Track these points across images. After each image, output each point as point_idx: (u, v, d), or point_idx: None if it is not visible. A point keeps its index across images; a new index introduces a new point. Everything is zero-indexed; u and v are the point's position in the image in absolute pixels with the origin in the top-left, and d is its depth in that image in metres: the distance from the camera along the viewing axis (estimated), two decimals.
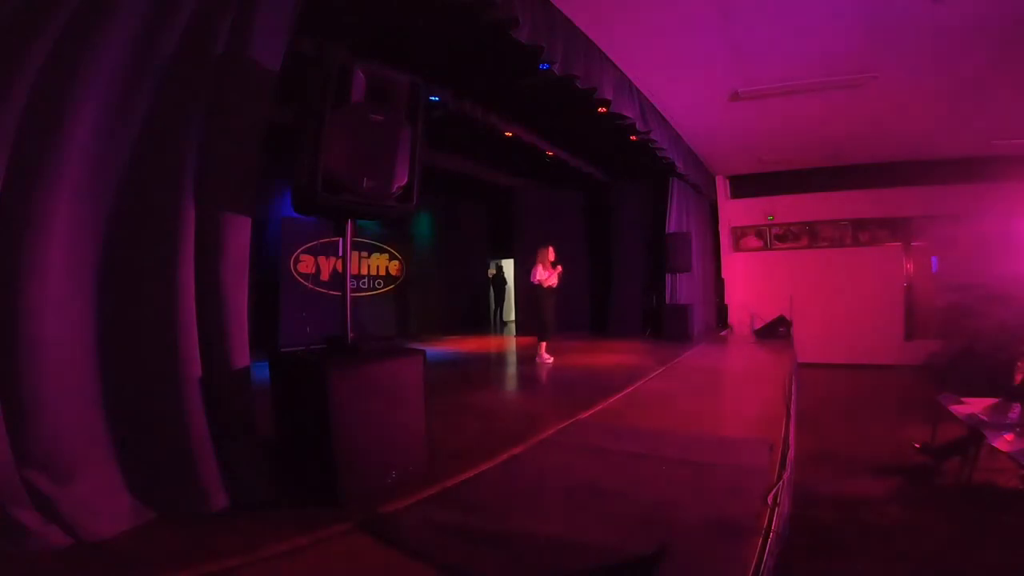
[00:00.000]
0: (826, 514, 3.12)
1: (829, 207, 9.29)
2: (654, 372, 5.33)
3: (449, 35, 4.38)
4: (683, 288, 8.61)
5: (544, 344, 6.22)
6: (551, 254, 6.26)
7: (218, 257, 2.07)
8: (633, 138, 6.22)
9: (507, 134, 6.64)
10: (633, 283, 9.45)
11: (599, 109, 5.17)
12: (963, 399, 3.77)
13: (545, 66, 4.07)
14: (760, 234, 9.85)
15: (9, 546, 1.62)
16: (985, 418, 3.34)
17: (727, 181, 10.06)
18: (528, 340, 6.65)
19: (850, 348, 8.78)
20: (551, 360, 6.12)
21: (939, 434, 3.82)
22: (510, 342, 9.22)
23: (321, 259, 7.83)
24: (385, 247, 9.15)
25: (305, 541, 1.79)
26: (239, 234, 2.15)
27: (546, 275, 6.21)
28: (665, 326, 8.32)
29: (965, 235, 8.31)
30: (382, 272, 9.10)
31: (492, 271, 13.23)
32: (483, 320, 12.12)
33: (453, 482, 2.34)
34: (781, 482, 2.27)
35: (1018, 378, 5.21)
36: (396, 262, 9.35)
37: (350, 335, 2.42)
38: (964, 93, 5.68)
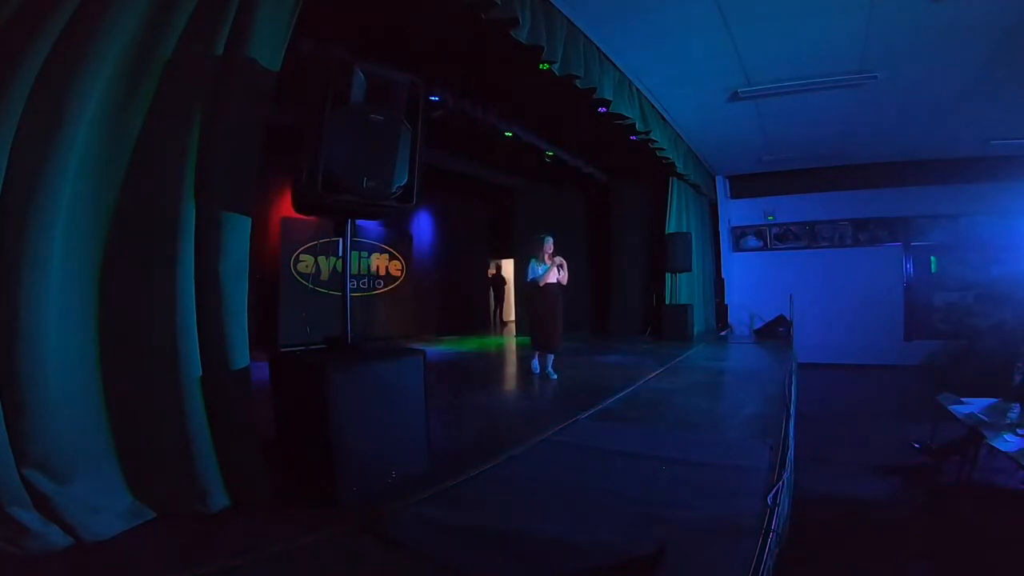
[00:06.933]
0: (826, 514, 3.12)
1: (829, 207, 9.28)
2: (654, 372, 5.33)
3: (449, 35, 4.38)
4: (683, 288, 8.61)
5: (538, 354, 5.26)
6: (549, 246, 5.13)
7: (218, 257, 2.07)
8: (633, 138, 6.22)
9: (507, 134, 6.64)
10: (633, 283, 9.45)
11: (599, 109, 5.17)
12: (963, 399, 3.77)
13: (545, 66, 4.07)
14: (760, 234, 9.85)
15: (9, 546, 1.62)
16: (985, 418, 3.34)
17: (727, 181, 10.06)
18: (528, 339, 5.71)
19: (850, 348, 8.77)
20: (542, 372, 5.20)
21: (939, 434, 3.82)
22: (510, 342, 9.22)
23: (321, 259, 7.83)
24: (385, 247, 9.15)
25: (305, 541, 1.79)
26: (239, 234, 2.15)
27: (540, 271, 5.06)
28: (665, 326, 8.31)
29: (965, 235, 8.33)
30: (382, 272, 9.09)
31: (492, 271, 13.23)
32: (483, 320, 12.12)
33: (453, 482, 2.33)
34: (781, 482, 2.27)
35: (1018, 378, 5.21)
36: (396, 262, 9.35)
37: (350, 335, 2.42)
38: (964, 93, 5.67)
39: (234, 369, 2.11)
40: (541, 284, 5.05)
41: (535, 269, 5.08)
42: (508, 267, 12.48)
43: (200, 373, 2.02)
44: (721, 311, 9.88)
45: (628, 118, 5.34)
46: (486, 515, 2.03)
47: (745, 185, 9.87)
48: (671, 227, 8.44)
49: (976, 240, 8.53)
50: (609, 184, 9.57)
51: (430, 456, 2.48)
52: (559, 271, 5.06)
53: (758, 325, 9.17)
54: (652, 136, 6.06)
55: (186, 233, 2.00)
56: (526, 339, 6.05)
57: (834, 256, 9.27)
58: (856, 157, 8.49)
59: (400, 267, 9.41)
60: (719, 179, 9.95)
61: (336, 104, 2.11)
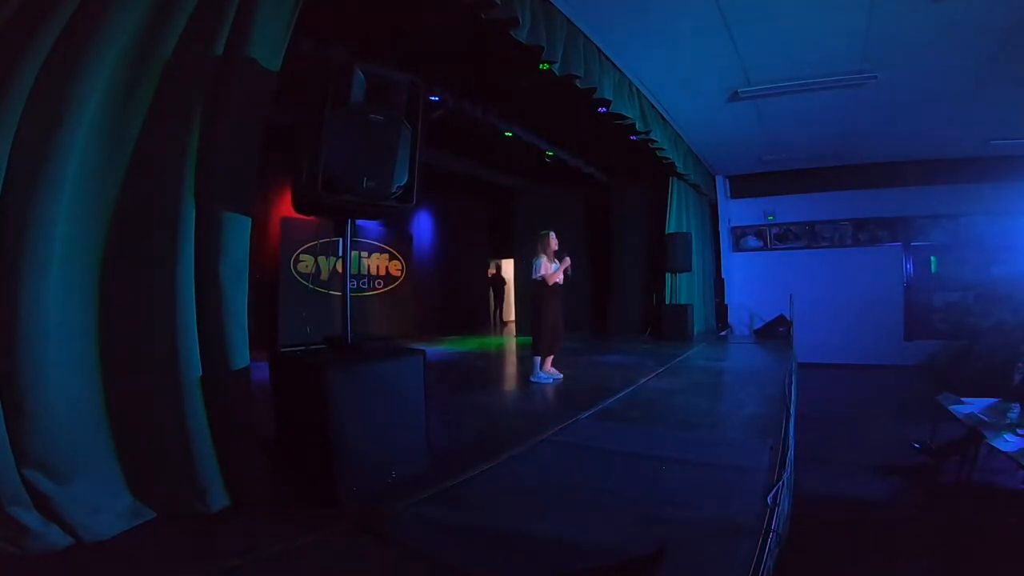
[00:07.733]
0: (826, 514, 3.12)
1: (829, 207, 9.29)
2: (654, 372, 5.33)
3: (449, 35, 4.38)
4: (683, 288, 8.61)
5: (539, 359, 4.94)
6: (553, 241, 4.91)
7: (218, 257, 2.07)
8: (633, 138, 6.22)
9: (507, 134, 6.64)
10: (633, 283, 9.45)
11: (599, 109, 5.17)
12: (963, 399, 3.77)
13: (545, 66, 4.07)
14: (760, 234, 9.85)
15: (9, 546, 1.62)
16: (985, 418, 3.34)
17: (727, 181, 10.06)
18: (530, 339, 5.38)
19: (850, 348, 8.78)
20: (553, 378, 4.95)
21: (939, 434, 3.82)
22: (510, 342, 9.22)
23: (321, 259, 7.83)
24: (385, 247, 9.15)
25: (305, 541, 1.79)
26: (239, 234, 2.15)
27: (550, 269, 4.84)
28: (665, 326, 8.31)
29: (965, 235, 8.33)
30: (382, 272, 9.09)
31: (492, 271, 13.24)
32: (483, 320, 12.12)
33: (453, 482, 2.33)
34: (781, 482, 2.27)
35: (1017, 378, 5.21)
36: (396, 262, 9.36)
37: (350, 335, 2.42)
38: (964, 93, 5.67)
39: (234, 369, 2.11)
40: (550, 283, 4.84)
41: (544, 267, 4.84)
42: (508, 267, 12.48)
43: (200, 373, 2.01)
44: (721, 311, 9.88)
45: (628, 118, 5.34)
46: (486, 515, 2.03)
47: (745, 185, 9.88)
48: (671, 227, 8.44)
49: (976, 240, 8.53)
50: (609, 184, 9.57)
51: (430, 456, 2.48)
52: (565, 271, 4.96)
53: (758, 325, 9.18)
54: (652, 136, 6.06)
55: (186, 233, 1.99)
56: (527, 339, 5.81)
57: (834, 256, 9.28)
58: (856, 157, 8.49)
59: (400, 267, 9.41)
60: (719, 179, 9.95)
61: (336, 104, 2.11)
